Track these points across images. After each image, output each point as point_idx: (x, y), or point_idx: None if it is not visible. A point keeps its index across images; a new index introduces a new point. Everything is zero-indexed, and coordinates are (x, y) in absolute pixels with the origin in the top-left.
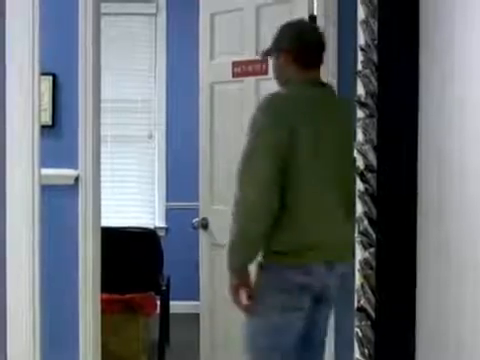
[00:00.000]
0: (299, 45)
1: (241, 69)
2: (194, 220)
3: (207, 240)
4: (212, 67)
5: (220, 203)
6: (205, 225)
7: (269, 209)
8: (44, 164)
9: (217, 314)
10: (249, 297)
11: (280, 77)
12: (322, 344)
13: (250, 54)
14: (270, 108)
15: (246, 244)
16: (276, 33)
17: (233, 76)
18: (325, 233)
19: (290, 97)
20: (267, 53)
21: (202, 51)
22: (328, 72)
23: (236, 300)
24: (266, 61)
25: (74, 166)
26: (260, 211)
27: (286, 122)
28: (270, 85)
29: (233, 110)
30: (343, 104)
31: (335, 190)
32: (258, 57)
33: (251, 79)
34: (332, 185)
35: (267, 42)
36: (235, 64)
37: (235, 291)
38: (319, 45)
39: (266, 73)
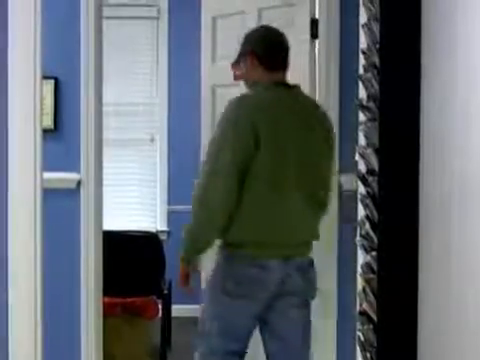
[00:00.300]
0: (263, 48)
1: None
2: None
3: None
4: (214, 70)
5: None
6: None
7: (227, 201)
8: (46, 168)
9: None
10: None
11: (247, 80)
12: (298, 339)
13: None
14: (235, 108)
15: (202, 233)
16: (242, 39)
17: (234, 79)
18: (283, 231)
19: (254, 98)
20: (237, 61)
21: (204, 54)
22: (330, 76)
23: (182, 284)
24: None
25: (76, 170)
26: (218, 203)
27: (249, 121)
28: None
29: None
30: (309, 106)
31: (297, 189)
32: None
33: None
34: (293, 184)
35: None
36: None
37: (184, 276)
38: (282, 48)
39: None
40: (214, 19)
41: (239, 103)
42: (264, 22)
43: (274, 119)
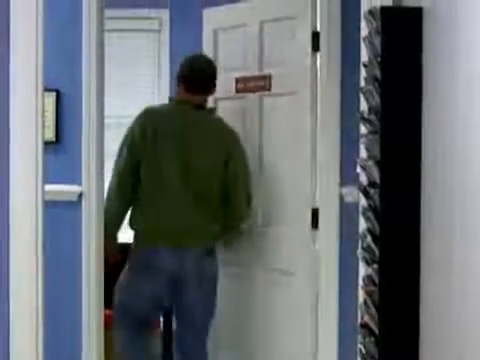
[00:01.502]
0: (187, 74)
1: (244, 85)
2: None
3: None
4: (220, 82)
5: None
6: None
7: (123, 194)
8: (47, 180)
9: (223, 331)
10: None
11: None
12: (196, 318)
13: (253, 70)
14: (137, 117)
15: (107, 218)
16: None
17: (236, 92)
18: (169, 223)
19: (155, 109)
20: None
21: None
22: (331, 88)
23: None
24: (269, 77)
25: (77, 182)
26: (116, 195)
27: (143, 128)
28: (273, 101)
29: (236, 126)
30: (210, 127)
31: (182, 191)
32: (262, 73)
33: (254, 95)
34: (178, 187)
35: (270, 58)
36: (238, 80)
37: (105, 249)
38: (204, 76)
39: (269, 89)
40: (215, 32)
41: (141, 113)
42: (266, 35)
43: (167, 130)
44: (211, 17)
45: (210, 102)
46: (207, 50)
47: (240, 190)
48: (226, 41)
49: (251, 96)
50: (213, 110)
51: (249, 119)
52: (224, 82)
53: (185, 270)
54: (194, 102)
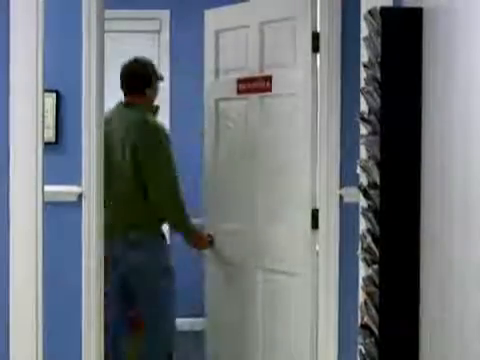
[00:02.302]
0: (120, 76)
1: (246, 86)
2: None
3: (213, 257)
4: (217, 84)
5: (227, 221)
6: (211, 242)
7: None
8: (47, 181)
9: (223, 332)
10: None
11: None
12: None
13: (254, 71)
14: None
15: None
16: None
17: (238, 93)
18: (111, 216)
19: (106, 114)
20: None
21: (207, 68)
22: (331, 89)
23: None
24: (270, 79)
25: (77, 183)
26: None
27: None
28: (273, 102)
29: (237, 127)
30: (129, 121)
31: (116, 186)
32: (262, 74)
33: (255, 96)
34: (113, 182)
35: (270, 59)
36: (240, 81)
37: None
38: (128, 76)
39: (270, 90)
40: (217, 32)
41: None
42: (266, 36)
43: (107, 130)
44: (212, 18)
45: (212, 102)
46: (209, 51)
47: (156, 190)
48: (227, 42)
49: (252, 97)
50: (151, 108)
51: (251, 120)
52: (225, 83)
53: (114, 258)
54: (126, 101)
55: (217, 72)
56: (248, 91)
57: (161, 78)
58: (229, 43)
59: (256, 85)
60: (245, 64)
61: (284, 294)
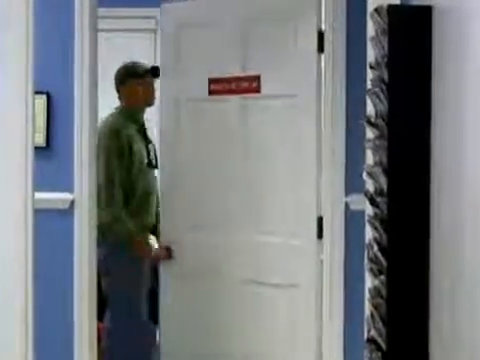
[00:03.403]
0: None
1: (222, 86)
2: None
3: (171, 271)
4: (179, 84)
5: (189, 231)
6: (169, 255)
7: None
8: (38, 187)
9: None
10: None
11: None
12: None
13: (234, 70)
14: None
15: None
16: None
17: (210, 94)
18: None
19: None
20: None
21: (165, 66)
22: (336, 91)
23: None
24: (257, 79)
25: (69, 189)
26: None
27: None
28: (264, 104)
29: (210, 128)
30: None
31: None
32: (246, 74)
33: (236, 97)
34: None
35: (259, 57)
36: (213, 81)
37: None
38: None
39: (257, 91)
40: (178, 28)
41: None
42: (252, 32)
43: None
44: (172, 12)
45: (169, 103)
46: (166, 48)
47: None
48: (195, 38)
49: (232, 98)
50: (131, 107)
51: (232, 122)
52: (194, 83)
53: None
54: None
55: (177, 71)
56: (225, 92)
57: (145, 73)
58: (198, 40)
59: (237, 85)
60: (221, 63)
61: (286, 307)
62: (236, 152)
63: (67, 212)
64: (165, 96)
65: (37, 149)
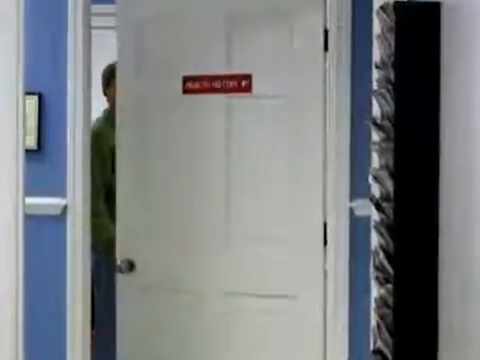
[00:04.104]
0: None
1: (200, 85)
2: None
3: (132, 284)
4: (144, 82)
5: (152, 237)
6: (131, 267)
7: None
8: (29, 192)
9: None
10: None
11: None
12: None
13: (217, 68)
14: None
15: None
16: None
17: (184, 92)
18: None
19: None
20: None
21: (126, 61)
22: (341, 91)
23: None
24: (249, 77)
25: (62, 194)
26: None
27: None
28: (257, 104)
29: (187, 128)
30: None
31: None
32: (233, 72)
33: (223, 97)
34: None
35: (251, 55)
36: (188, 79)
37: None
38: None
39: (247, 91)
40: (140, 23)
41: None
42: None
43: None
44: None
45: (129, 101)
46: (129, 43)
47: None
48: (168, 32)
49: (217, 97)
50: (105, 111)
51: (214, 122)
52: (166, 81)
53: None
54: None
55: (140, 69)
56: (206, 91)
57: None
58: (172, 34)
59: (222, 84)
60: (201, 60)
61: (287, 320)
62: (218, 153)
63: (59, 218)
64: (123, 96)
65: (28, 152)
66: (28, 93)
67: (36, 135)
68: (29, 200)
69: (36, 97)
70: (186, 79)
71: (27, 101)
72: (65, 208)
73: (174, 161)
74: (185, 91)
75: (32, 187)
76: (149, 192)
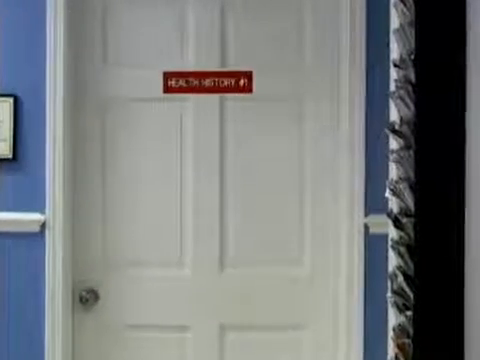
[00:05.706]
0: None
1: (185, 83)
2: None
3: (94, 320)
4: (112, 77)
5: (121, 265)
6: (95, 298)
7: None
8: (2, 207)
9: None
10: None
11: None
12: None
13: (206, 64)
14: None
15: None
16: None
17: (166, 91)
18: None
19: None
20: None
21: (90, 54)
22: (354, 93)
23: None
24: (249, 76)
25: (40, 209)
26: None
27: None
28: (259, 106)
29: (167, 131)
30: None
31: None
32: (227, 69)
33: (217, 96)
34: None
35: (250, 52)
36: (171, 75)
37: None
38: None
39: (246, 91)
40: (104, 9)
41: None
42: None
43: None
44: None
45: (94, 101)
46: (93, 33)
47: None
48: (149, 24)
49: (210, 97)
50: None
51: (210, 124)
52: (144, 78)
53: None
54: None
55: (106, 61)
56: (194, 90)
57: None
58: (155, 26)
59: (214, 83)
60: (185, 55)
61: (292, 353)
62: (208, 162)
63: (37, 236)
64: (89, 93)
65: (2, 161)
66: (2, 95)
67: (11, 142)
68: (3, 215)
69: (11, 100)
70: (168, 75)
71: (1, 104)
72: (44, 224)
73: (143, 187)
74: (169, 89)
75: (6, 201)
76: (117, 210)
